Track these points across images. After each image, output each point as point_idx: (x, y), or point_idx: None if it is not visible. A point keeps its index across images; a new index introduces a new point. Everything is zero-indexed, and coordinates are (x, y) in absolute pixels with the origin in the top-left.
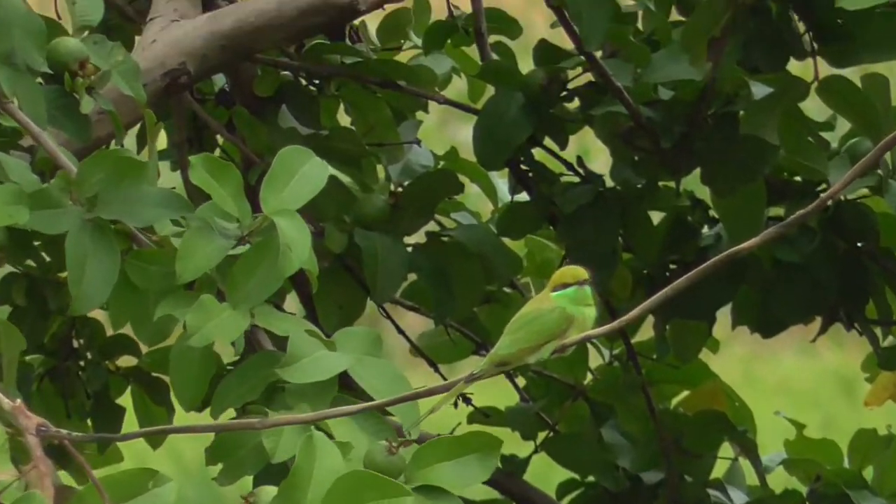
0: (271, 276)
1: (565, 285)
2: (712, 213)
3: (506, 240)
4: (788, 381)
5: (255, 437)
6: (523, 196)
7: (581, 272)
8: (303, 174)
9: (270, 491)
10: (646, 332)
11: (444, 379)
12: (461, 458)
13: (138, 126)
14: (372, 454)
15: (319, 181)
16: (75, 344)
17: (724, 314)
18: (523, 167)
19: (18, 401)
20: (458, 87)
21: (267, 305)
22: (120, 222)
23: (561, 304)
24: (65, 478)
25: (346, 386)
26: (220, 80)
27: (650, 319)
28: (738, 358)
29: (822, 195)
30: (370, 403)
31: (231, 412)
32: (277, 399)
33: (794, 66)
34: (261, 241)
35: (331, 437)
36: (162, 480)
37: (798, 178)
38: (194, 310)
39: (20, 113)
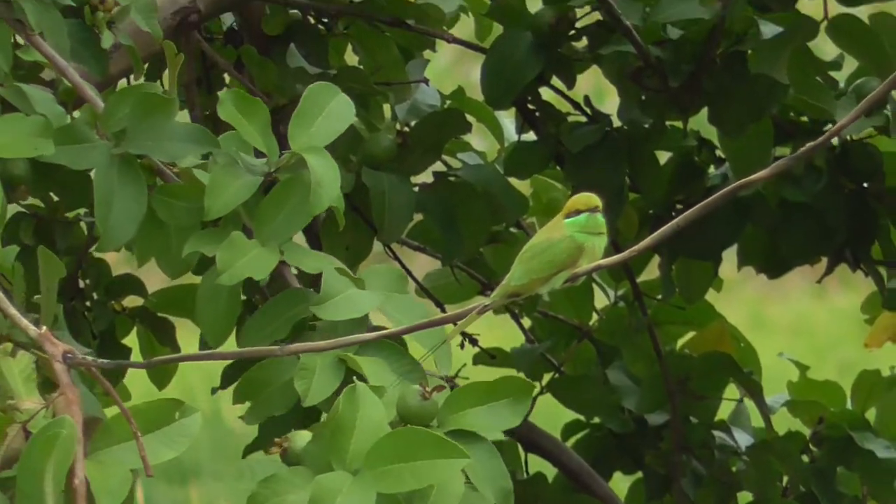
0: (299, 213)
1: (577, 212)
2: (719, 152)
3: (512, 180)
4: (798, 323)
5: (284, 374)
6: (530, 136)
7: (594, 199)
8: (330, 111)
9: (305, 436)
10: (651, 273)
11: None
12: (493, 404)
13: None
14: (405, 399)
15: (347, 118)
16: (81, 284)
17: (733, 256)
18: (530, 107)
19: (45, 328)
20: (467, 27)
21: (294, 243)
22: (146, 157)
23: (572, 232)
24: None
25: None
26: (228, 18)
27: (656, 260)
28: (748, 300)
29: (821, 132)
30: (389, 331)
31: None
32: (305, 337)
33: (803, 5)
34: (289, 177)
35: (362, 378)
36: (188, 411)
37: (805, 118)
38: (225, 247)
39: (46, 45)
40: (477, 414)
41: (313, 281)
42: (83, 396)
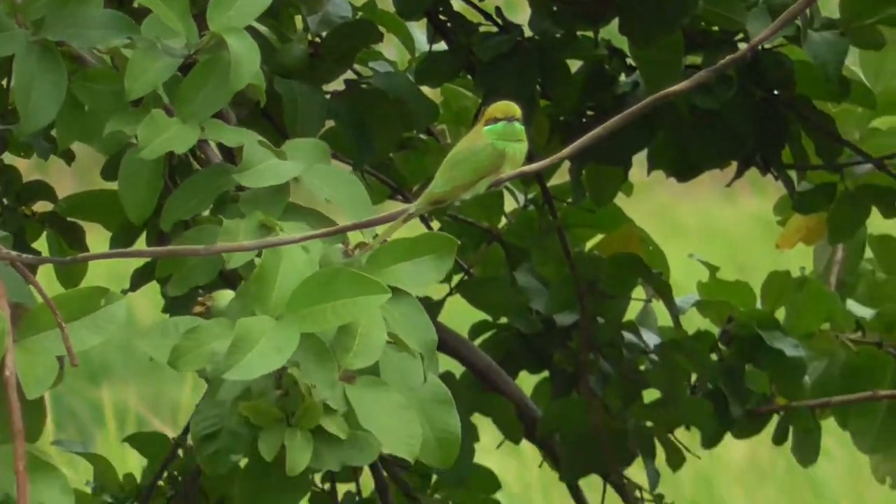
0: (219, 91)
1: (496, 120)
2: (630, 61)
3: (423, 88)
4: (709, 226)
5: (207, 243)
6: (441, 46)
7: (513, 108)
8: None
9: (228, 294)
10: (562, 177)
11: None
12: (417, 259)
13: None
14: (328, 257)
15: (264, 1)
16: None
17: (644, 161)
18: (441, 17)
19: None
20: None
21: (215, 119)
22: (66, 44)
23: (492, 140)
24: None
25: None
26: None
27: (566, 164)
28: (659, 204)
29: (740, 45)
30: (315, 233)
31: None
32: (229, 209)
33: None
34: (209, 57)
35: None
36: (114, 298)
37: (716, 28)
38: (145, 124)
39: None
40: (400, 269)
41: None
42: (14, 283)
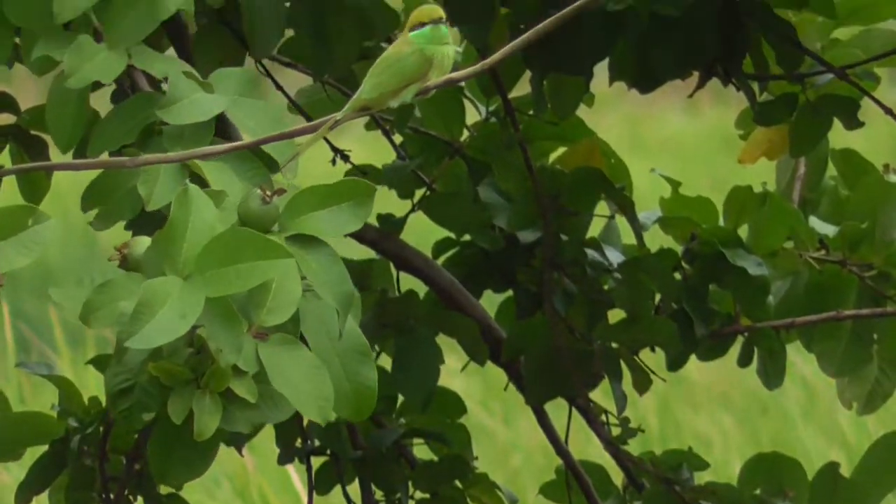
0: (148, 16)
1: (422, 24)
2: None
3: None
4: (673, 140)
5: (130, 180)
6: None
7: (436, 10)
8: None
9: (145, 241)
10: (523, 89)
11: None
12: (335, 207)
13: None
14: (246, 203)
15: None
16: None
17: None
18: None
19: None
20: None
21: (144, 46)
22: None
23: (419, 45)
24: None
25: (222, 133)
26: None
27: (528, 75)
28: (624, 118)
29: None
30: (239, 143)
31: None
32: (153, 143)
33: None
34: None
35: (205, 184)
36: (41, 218)
37: None
38: (71, 51)
39: None
40: (318, 217)
41: None
42: None
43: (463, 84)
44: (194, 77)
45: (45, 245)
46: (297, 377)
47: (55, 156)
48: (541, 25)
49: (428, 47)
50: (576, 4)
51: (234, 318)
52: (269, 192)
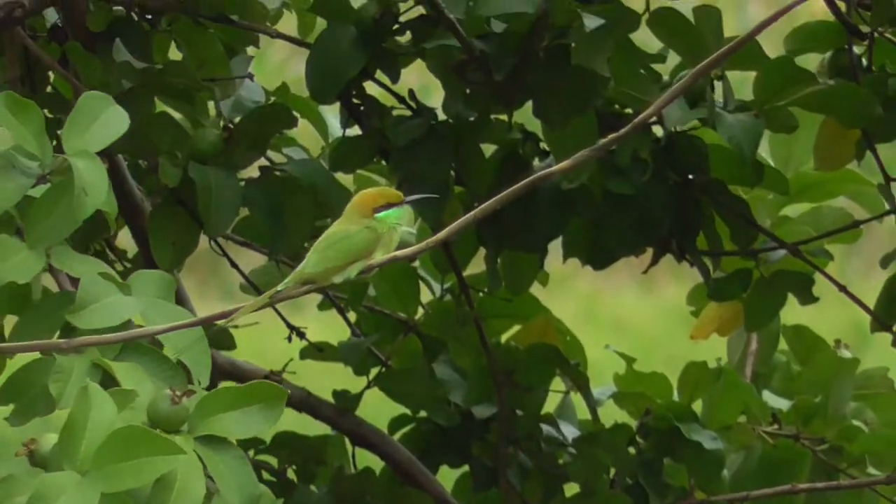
0: (70, 217)
1: (390, 205)
2: (544, 145)
3: (338, 175)
4: (627, 317)
5: (45, 378)
6: (356, 130)
7: (393, 192)
8: (104, 119)
9: (53, 438)
10: (478, 265)
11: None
12: (245, 408)
13: None
14: (155, 403)
15: (120, 127)
16: None
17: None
18: (355, 101)
19: None
20: (293, 22)
21: (64, 246)
22: None
23: (390, 224)
24: None
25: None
26: (52, 16)
27: (482, 253)
28: (579, 294)
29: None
30: (153, 329)
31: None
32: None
33: None
34: (61, 180)
35: (116, 383)
36: None
37: (629, 111)
38: None
39: None
40: (228, 419)
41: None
42: None
43: (417, 263)
44: (112, 278)
45: None
46: None
47: None
48: (490, 202)
49: (380, 225)
50: (525, 181)
51: None
52: (178, 393)
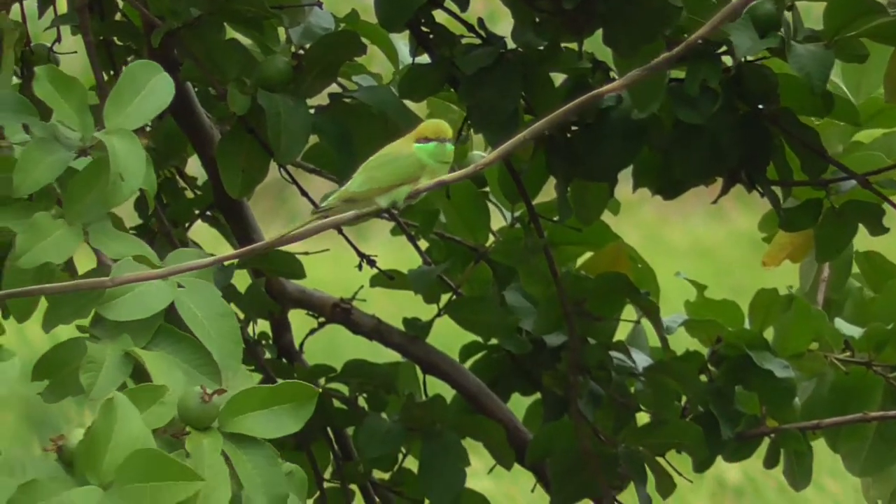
0: (105, 198)
1: (427, 139)
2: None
3: (408, 102)
4: (696, 244)
5: (80, 358)
6: (424, 58)
7: (445, 128)
8: (149, 90)
9: (80, 434)
10: (548, 194)
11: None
12: (274, 408)
13: None
14: (185, 401)
15: (166, 97)
16: None
17: (630, 178)
18: (424, 29)
19: None
20: None
21: (104, 223)
22: None
23: (421, 156)
24: None
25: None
26: None
27: (552, 181)
28: (646, 222)
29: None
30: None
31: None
32: (104, 324)
33: None
34: (100, 156)
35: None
36: (6, 355)
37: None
38: (26, 229)
39: None
40: (257, 418)
41: None
42: None
43: (488, 189)
44: (147, 261)
45: (9, 382)
46: None
47: None
48: (540, 122)
49: (426, 159)
50: (577, 101)
51: None
52: (208, 392)
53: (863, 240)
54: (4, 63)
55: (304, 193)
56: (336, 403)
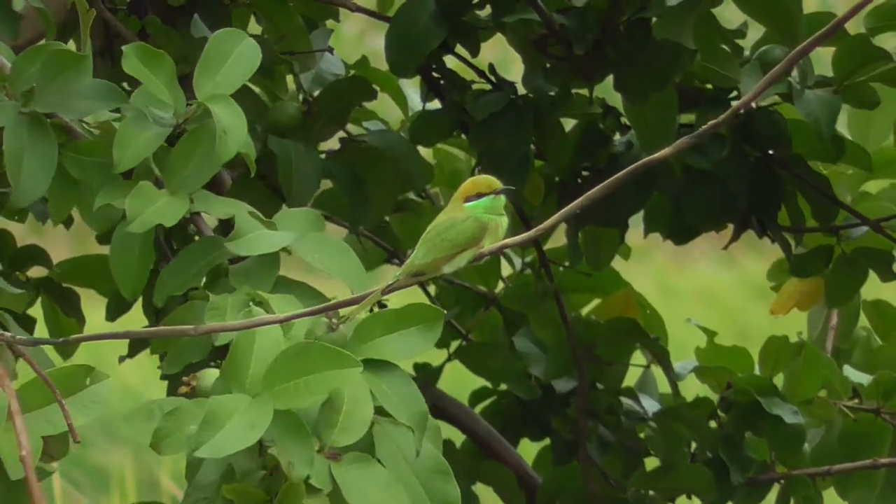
0: (208, 162)
1: (480, 195)
2: (624, 120)
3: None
4: (706, 290)
5: (199, 321)
6: (435, 104)
7: (494, 181)
8: (237, 56)
9: (213, 373)
10: (558, 241)
11: None
12: (403, 331)
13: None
14: (313, 331)
15: (254, 61)
16: None
17: (641, 223)
18: (435, 75)
19: None
20: None
21: (204, 191)
22: (56, 116)
23: (475, 214)
24: None
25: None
26: None
27: (562, 227)
28: (656, 267)
29: (733, 103)
30: (297, 313)
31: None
32: (220, 283)
33: None
34: (196, 127)
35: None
36: (99, 377)
37: (710, 86)
38: (133, 196)
39: None
40: (387, 342)
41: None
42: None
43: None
44: (258, 216)
45: (104, 403)
46: (372, 493)
47: (87, 306)
48: (597, 188)
49: (483, 215)
50: (631, 167)
51: (303, 431)
52: (335, 320)
53: (870, 288)
54: (86, 48)
55: None
56: None
